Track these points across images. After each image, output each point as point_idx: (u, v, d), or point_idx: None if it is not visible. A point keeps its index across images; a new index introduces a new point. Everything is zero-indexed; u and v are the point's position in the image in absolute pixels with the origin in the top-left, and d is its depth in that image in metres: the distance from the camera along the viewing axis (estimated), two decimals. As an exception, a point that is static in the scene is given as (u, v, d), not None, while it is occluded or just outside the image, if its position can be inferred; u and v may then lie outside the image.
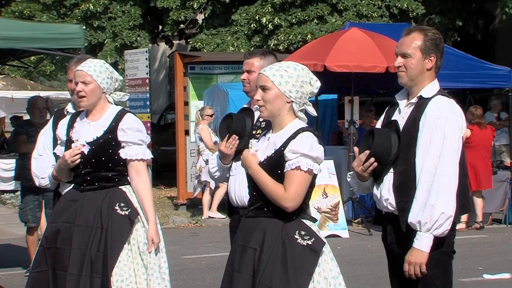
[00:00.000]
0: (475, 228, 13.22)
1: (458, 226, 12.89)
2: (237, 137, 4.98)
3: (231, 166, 5.18)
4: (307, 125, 4.16)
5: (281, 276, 3.97)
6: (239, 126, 5.01)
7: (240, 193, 5.17)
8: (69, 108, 5.89)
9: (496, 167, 14.16)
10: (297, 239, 4.02)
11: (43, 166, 5.62)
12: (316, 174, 4.09)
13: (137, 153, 5.21)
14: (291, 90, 4.11)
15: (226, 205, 5.46)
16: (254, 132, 5.07)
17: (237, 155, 5.07)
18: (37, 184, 5.71)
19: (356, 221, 13.41)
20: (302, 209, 4.09)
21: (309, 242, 4.02)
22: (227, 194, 5.43)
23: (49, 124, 5.90)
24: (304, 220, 4.09)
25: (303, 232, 4.04)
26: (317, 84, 4.20)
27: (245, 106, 5.34)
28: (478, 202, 13.34)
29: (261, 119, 5.11)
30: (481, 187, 13.32)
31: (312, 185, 4.10)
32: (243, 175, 5.06)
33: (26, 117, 12.19)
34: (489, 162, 13.60)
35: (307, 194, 4.08)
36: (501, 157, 15.37)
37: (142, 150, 5.23)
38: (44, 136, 5.82)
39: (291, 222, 4.06)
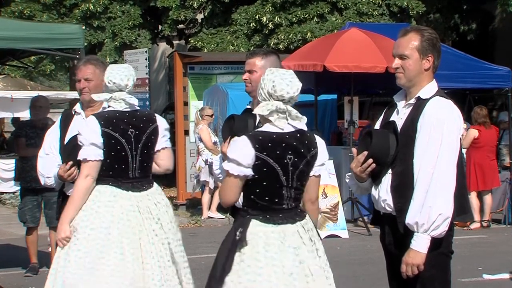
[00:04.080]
0: (486, 226, 13.33)
1: (473, 226, 13.06)
2: None
3: None
4: (255, 131, 4.35)
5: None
6: (241, 127, 5.03)
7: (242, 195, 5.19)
8: (77, 108, 5.91)
9: (500, 167, 14.24)
10: (235, 235, 4.27)
11: (49, 166, 5.68)
12: (245, 175, 4.20)
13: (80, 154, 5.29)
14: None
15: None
16: None
17: None
18: (42, 183, 5.77)
19: (355, 221, 13.41)
20: (252, 207, 4.26)
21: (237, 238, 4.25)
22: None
23: (57, 123, 5.94)
24: (253, 219, 4.23)
25: (240, 229, 4.25)
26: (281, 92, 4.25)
27: (248, 107, 5.35)
28: (487, 201, 13.38)
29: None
30: (487, 186, 13.36)
31: (254, 187, 4.23)
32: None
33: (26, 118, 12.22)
34: (494, 161, 13.65)
35: (250, 193, 4.25)
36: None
37: (82, 151, 5.26)
38: (51, 135, 5.87)
39: (243, 218, 4.28)
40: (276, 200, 4.25)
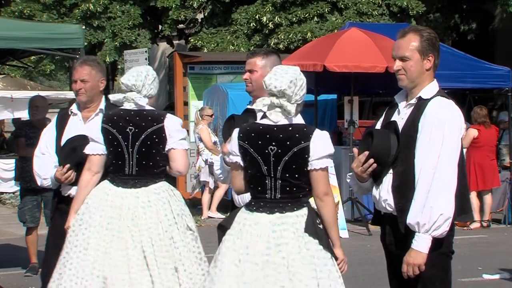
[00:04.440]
0: (486, 225, 13.33)
1: (473, 226, 13.06)
2: None
3: None
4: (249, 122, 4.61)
5: None
6: None
7: (243, 194, 5.16)
8: (74, 109, 5.91)
9: (500, 166, 14.26)
10: None
11: (45, 166, 5.72)
12: (233, 162, 4.49)
13: None
14: None
15: (230, 205, 5.47)
16: None
17: None
18: (39, 184, 5.80)
19: (355, 221, 13.41)
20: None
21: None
22: (227, 194, 5.48)
23: (53, 123, 5.96)
24: (244, 205, 4.52)
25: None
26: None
27: (248, 107, 5.35)
28: (487, 200, 13.39)
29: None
30: (487, 186, 13.37)
31: (245, 175, 4.46)
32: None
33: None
34: (494, 161, 13.66)
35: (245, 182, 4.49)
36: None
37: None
38: (47, 134, 5.90)
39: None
40: (259, 188, 4.37)
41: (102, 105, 5.82)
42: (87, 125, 5.76)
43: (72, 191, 5.71)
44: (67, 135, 5.74)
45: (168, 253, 5.26)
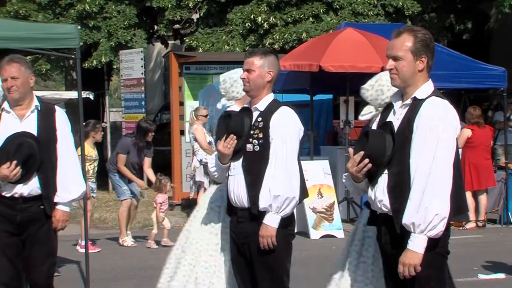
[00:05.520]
0: (482, 225, 13.35)
1: (468, 226, 13.07)
2: (235, 136, 5.02)
3: (229, 166, 5.18)
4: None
5: None
6: (237, 126, 5.05)
7: (239, 193, 5.15)
8: (6, 106, 5.78)
9: (496, 166, 14.27)
10: None
11: None
12: None
13: None
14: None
15: (226, 205, 5.47)
16: (252, 132, 5.10)
17: (235, 154, 5.10)
18: None
19: (351, 221, 13.41)
20: None
21: None
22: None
23: None
24: None
25: None
26: None
27: (245, 105, 5.35)
28: (482, 200, 13.41)
29: (259, 119, 5.13)
30: (482, 186, 13.39)
31: None
32: (241, 175, 5.08)
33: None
34: (489, 161, 13.67)
35: None
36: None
37: None
38: None
39: None
40: None
41: (36, 102, 5.79)
42: (24, 122, 5.68)
43: (17, 189, 5.56)
44: (3, 133, 5.62)
45: (182, 248, 6.04)
